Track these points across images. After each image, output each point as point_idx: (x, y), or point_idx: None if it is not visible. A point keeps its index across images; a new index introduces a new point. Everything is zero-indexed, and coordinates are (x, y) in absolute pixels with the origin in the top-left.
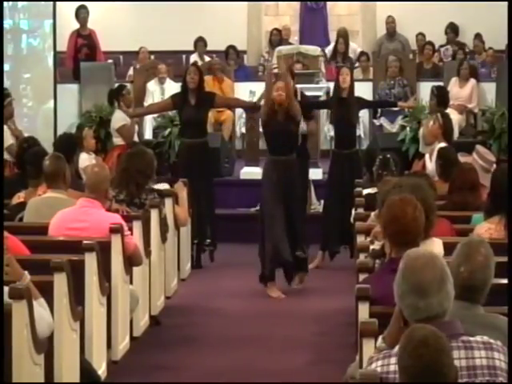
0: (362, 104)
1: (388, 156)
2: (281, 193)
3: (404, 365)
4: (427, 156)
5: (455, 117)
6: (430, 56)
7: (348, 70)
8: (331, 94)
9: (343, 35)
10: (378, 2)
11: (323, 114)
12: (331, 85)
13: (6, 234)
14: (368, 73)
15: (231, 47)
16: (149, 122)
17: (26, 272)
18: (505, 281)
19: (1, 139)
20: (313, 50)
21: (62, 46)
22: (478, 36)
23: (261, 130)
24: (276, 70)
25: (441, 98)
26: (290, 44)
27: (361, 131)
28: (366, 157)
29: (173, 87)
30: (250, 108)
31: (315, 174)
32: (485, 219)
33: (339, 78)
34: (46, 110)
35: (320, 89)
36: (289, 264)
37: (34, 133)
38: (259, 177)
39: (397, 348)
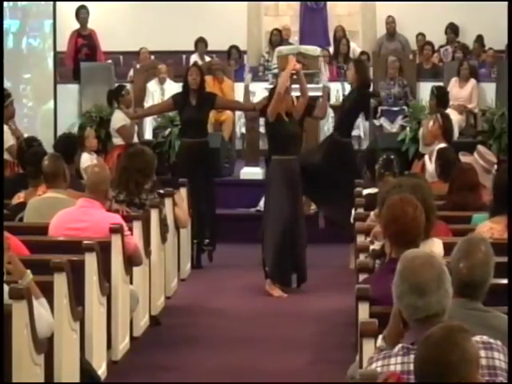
0: None
1: (392, 157)
2: (290, 192)
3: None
4: (427, 157)
5: (455, 117)
6: (429, 56)
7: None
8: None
9: (345, 35)
10: (377, 2)
11: None
12: (333, 85)
13: (6, 234)
14: None
15: (233, 47)
16: (149, 122)
17: (29, 271)
18: (505, 281)
19: (1, 139)
20: (313, 50)
21: (62, 46)
22: (479, 38)
23: (261, 130)
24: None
25: (441, 98)
26: (290, 44)
27: (361, 131)
28: (367, 157)
29: (173, 87)
30: (250, 111)
31: None
32: (489, 218)
33: None
34: (46, 110)
35: (320, 89)
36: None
37: (34, 133)
38: (259, 177)
39: (397, 348)
